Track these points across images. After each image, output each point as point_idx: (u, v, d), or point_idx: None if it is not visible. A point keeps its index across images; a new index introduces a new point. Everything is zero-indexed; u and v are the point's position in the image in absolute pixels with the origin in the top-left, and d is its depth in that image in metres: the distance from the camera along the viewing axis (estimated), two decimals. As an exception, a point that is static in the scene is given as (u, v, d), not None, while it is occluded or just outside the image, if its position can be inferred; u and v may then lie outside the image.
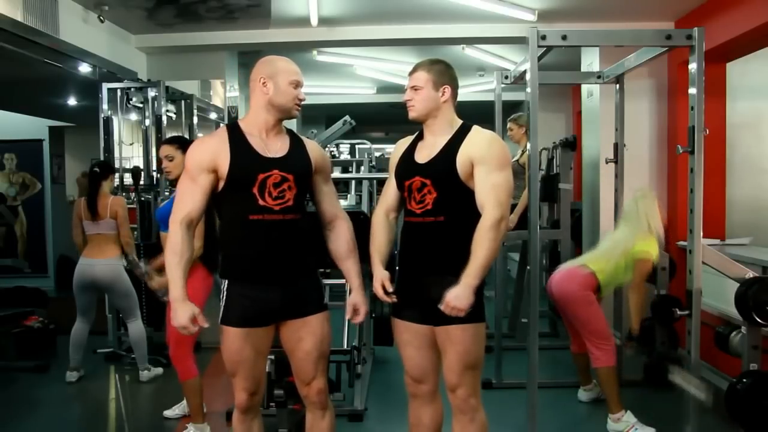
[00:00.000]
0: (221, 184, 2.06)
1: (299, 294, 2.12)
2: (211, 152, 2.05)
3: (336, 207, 2.25)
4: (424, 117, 2.16)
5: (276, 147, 2.11)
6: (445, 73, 2.16)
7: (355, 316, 2.23)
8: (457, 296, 1.96)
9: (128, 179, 5.30)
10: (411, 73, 2.18)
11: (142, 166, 5.25)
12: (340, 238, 2.22)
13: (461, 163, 2.07)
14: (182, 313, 2.00)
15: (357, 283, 2.21)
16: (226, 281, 2.12)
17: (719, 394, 3.12)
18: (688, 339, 2.91)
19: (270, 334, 2.15)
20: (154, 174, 4.90)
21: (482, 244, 1.99)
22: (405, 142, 2.27)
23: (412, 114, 2.18)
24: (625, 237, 3.28)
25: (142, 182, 5.17)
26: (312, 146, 2.21)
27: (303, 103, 2.14)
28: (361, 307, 2.20)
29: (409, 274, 2.18)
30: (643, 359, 3.61)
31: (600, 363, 3.22)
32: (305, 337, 2.14)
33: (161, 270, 3.29)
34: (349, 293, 2.26)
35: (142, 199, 5.15)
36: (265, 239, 2.05)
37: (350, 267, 2.22)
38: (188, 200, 2.06)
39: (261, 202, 2.04)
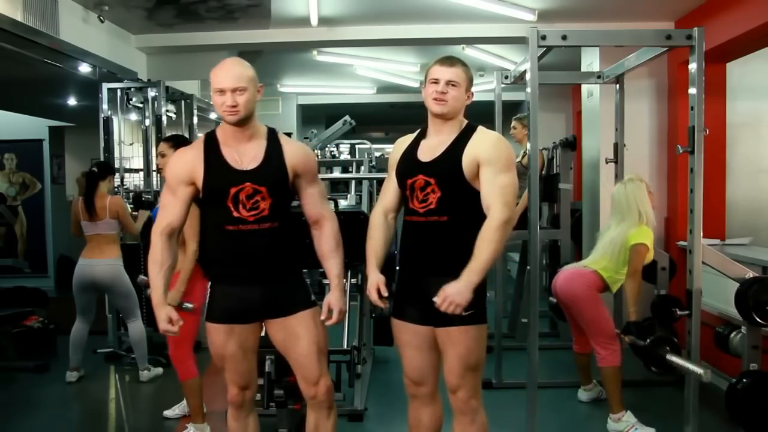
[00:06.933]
0: (200, 195, 2.11)
1: (280, 293, 2.14)
2: (187, 166, 2.10)
3: (321, 207, 2.21)
4: (451, 115, 2.11)
5: (249, 157, 2.10)
6: (472, 80, 2.16)
7: (329, 317, 2.16)
8: (459, 291, 1.93)
9: (128, 180, 5.29)
10: (445, 66, 2.08)
11: (142, 166, 5.23)
12: (323, 238, 2.21)
13: (467, 163, 2.06)
14: (160, 316, 2.07)
15: (335, 283, 2.18)
16: (210, 281, 2.20)
17: (719, 394, 3.11)
18: (688, 339, 2.91)
19: (255, 332, 2.19)
20: (154, 174, 4.89)
21: (487, 244, 1.98)
22: (405, 141, 2.24)
23: (443, 108, 2.08)
24: (619, 232, 3.26)
25: (142, 182, 5.16)
26: (291, 150, 2.15)
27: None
28: (335, 306, 2.15)
29: (411, 274, 2.16)
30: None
31: (605, 362, 3.23)
32: (302, 334, 2.14)
33: None
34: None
35: (143, 199, 5.14)
36: (240, 247, 2.09)
37: (331, 266, 2.20)
38: (169, 211, 2.12)
39: (236, 214, 2.06)
